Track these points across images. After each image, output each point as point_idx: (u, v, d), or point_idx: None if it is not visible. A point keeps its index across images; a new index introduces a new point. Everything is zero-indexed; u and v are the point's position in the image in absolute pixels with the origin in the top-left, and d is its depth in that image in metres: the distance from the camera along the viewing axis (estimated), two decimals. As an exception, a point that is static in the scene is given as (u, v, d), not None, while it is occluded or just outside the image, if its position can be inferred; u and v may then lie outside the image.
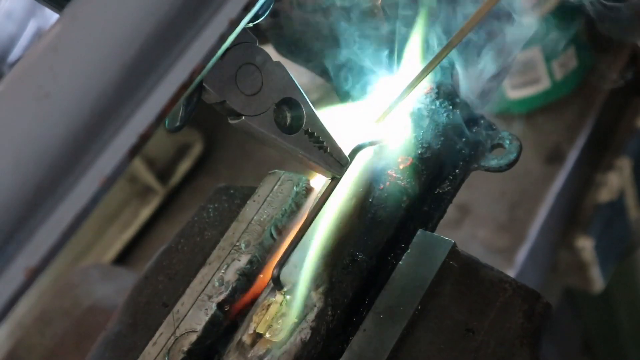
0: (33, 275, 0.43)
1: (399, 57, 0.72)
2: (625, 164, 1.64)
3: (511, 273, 1.42)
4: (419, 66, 0.74)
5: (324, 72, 0.87)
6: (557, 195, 1.52)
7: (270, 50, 0.83)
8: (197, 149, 1.86)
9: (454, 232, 1.48)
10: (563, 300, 1.70)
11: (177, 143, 1.85)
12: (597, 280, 1.63)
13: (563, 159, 1.55)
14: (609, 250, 1.65)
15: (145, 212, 1.81)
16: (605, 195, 1.62)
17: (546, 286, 1.58)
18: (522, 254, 1.45)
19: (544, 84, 1.58)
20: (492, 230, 1.49)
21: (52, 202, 0.43)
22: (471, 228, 1.50)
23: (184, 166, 1.84)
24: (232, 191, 0.80)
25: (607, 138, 1.66)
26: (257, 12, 0.55)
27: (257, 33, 0.86)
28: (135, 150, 0.45)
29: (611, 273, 1.66)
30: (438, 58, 0.68)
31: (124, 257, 1.79)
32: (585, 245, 1.57)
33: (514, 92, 1.59)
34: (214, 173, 1.86)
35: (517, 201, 1.52)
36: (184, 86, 0.47)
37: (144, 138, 0.46)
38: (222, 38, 0.48)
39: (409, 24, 0.72)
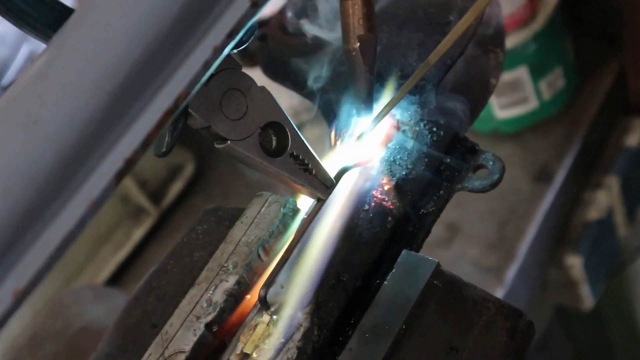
0: (21, 297, 0.44)
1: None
2: (613, 182, 1.65)
3: (501, 291, 1.43)
4: (397, 87, 0.76)
5: (311, 95, 0.88)
6: (546, 213, 1.53)
7: (259, 73, 0.84)
8: (189, 170, 1.87)
9: (443, 251, 1.49)
10: (554, 318, 1.71)
11: (169, 164, 1.86)
12: (587, 298, 1.63)
13: (552, 177, 1.56)
14: (599, 268, 1.66)
15: (138, 233, 1.82)
16: (594, 213, 1.63)
17: (536, 304, 1.59)
18: (511, 273, 1.46)
19: (532, 103, 1.59)
20: (482, 248, 1.50)
21: (40, 226, 0.44)
22: (461, 247, 1.51)
23: (176, 187, 1.85)
24: (220, 213, 0.81)
25: (595, 156, 1.67)
26: (242, 38, 0.56)
27: (245, 56, 0.87)
28: (121, 175, 0.46)
29: (601, 291, 1.67)
30: (415, 78, 0.69)
31: (117, 278, 1.80)
32: (575, 263, 1.58)
33: (502, 112, 1.60)
34: (206, 193, 1.87)
35: (506, 220, 1.53)
36: (169, 112, 0.48)
37: (130, 163, 0.47)
38: (207, 65, 0.50)
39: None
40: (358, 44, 0.70)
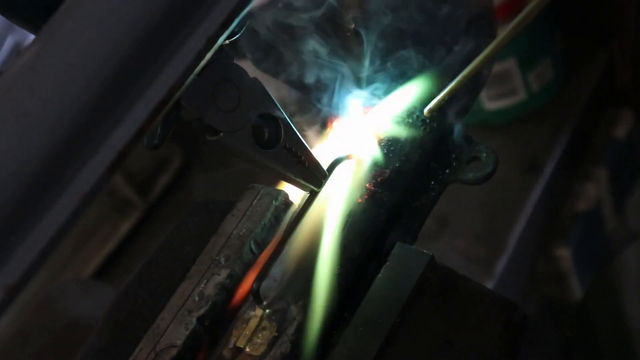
0: (12, 293, 0.43)
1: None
2: (602, 173, 1.65)
3: (490, 283, 1.42)
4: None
5: (301, 86, 0.87)
6: (535, 205, 1.53)
7: (248, 64, 0.83)
8: (176, 163, 1.86)
9: (432, 243, 1.49)
10: (542, 309, 1.71)
11: (156, 157, 1.85)
12: (576, 290, 1.64)
13: (541, 169, 1.56)
14: (587, 259, 1.66)
15: (125, 226, 1.81)
16: (582, 205, 1.63)
17: (525, 296, 1.59)
18: (500, 264, 1.46)
19: (521, 95, 1.59)
20: (471, 240, 1.50)
21: (31, 220, 0.44)
22: (450, 239, 1.51)
23: (164, 180, 1.84)
24: (211, 205, 0.80)
25: (584, 148, 1.67)
26: (234, 29, 0.55)
27: (235, 47, 0.86)
28: (113, 168, 0.45)
29: (590, 282, 1.67)
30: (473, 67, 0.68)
31: (103, 272, 1.79)
32: (564, 254, 1.58)
33: (491, 104, 1.60)
34: (193, 186, 1.86)
35: (495, 211, 1.53)
36: (162, 103, 0.47)
37: (123, 155, 0.46)
38: (200, 55, 0.49)
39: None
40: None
